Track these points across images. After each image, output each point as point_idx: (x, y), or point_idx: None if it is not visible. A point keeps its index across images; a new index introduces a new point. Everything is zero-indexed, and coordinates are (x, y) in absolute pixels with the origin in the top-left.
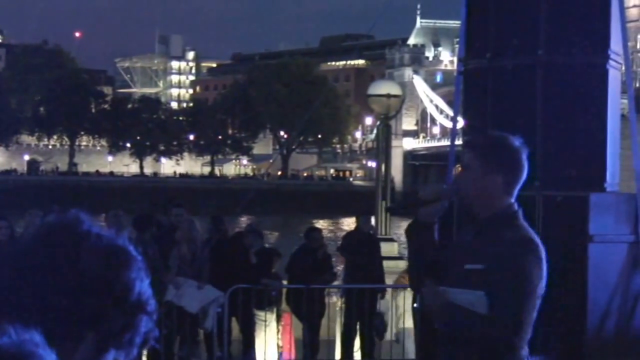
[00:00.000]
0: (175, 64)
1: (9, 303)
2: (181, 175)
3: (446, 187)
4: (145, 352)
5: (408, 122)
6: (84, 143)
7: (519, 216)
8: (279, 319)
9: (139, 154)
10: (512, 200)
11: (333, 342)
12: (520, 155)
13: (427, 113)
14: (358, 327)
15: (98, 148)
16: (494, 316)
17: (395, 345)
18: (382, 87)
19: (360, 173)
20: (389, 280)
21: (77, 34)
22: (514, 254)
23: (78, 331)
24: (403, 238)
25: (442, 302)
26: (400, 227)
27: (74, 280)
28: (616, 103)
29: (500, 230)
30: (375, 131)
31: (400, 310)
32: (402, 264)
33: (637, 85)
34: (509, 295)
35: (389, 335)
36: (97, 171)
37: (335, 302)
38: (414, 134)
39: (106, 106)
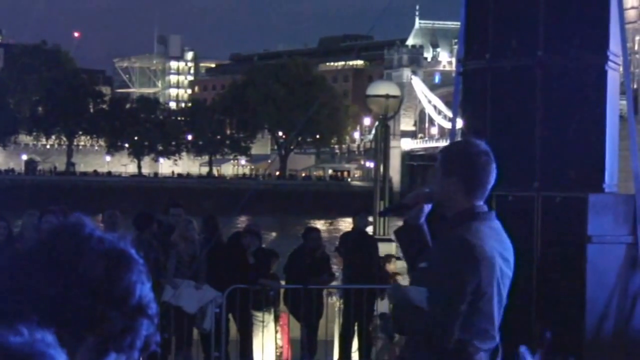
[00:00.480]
0: (173, 64)
1: (11, 305)
2: (179, 175)
3: (427, 191)
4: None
5: (406, 123)
6: (81, 143)
7: (479, 217)
8: (277, 319)
9: (137, 154)
10: (477, 202)
11: (331, 342)
12: (481, 159)
13: (425, 114)
14: (356, 327)
15: (96, 148)
16: (430, 312)
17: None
18: (381, 88)
19: (358, 173)
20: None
21: (76, 34)
22: (449, 253)
23: (78, 333)
24: None
25: (398, 298)
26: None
27: (76, 283)
28: (615, 104)
29: (452, 231)
30: (373, 131)
31: None
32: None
33: (635, 86)
34: (439, 293)
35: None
36: (94, 171)
37: (334, 302)
38: (412, 135)
39: (104, 106)
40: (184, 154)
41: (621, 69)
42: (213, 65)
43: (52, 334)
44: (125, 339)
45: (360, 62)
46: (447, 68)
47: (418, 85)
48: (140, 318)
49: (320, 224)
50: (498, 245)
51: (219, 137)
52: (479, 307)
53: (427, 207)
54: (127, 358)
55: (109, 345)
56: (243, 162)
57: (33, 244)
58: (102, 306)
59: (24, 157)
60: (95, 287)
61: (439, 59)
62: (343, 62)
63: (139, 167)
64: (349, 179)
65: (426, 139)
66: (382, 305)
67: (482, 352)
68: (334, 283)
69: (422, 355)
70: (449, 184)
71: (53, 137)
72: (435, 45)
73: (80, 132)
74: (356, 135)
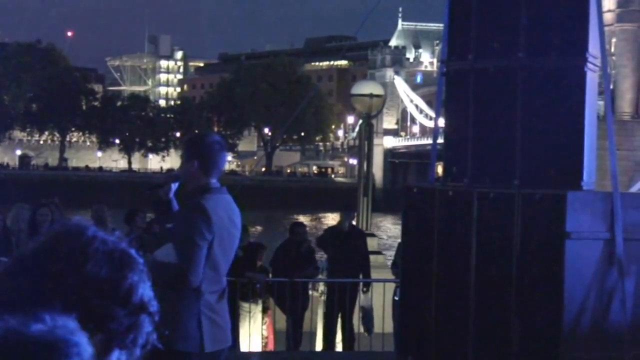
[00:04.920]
0: (163, 63)
1: (19, 306)
2: (168, 170)
3: (175, 173)
4: None
5: (389, 121)
6: (74, 139)
7: (213, 191)
8: (265, 311)
9: (128, 149)
10: (212, 179)
11: (315, 334)
12: (214, 147)
13: (407, 112)
14: (340, 319)
15: (88, 144)
16: (178, 260)
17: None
18: (365, 87)
19: (342, 170)
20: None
21: (69, 33)
22: (189, 214)
23: (87, 332)
24: (387, 233)
25: (150, 262)
26: (383, 223)
27: (82, 283)
28: (593, 104)
29: (192, 200)
30: (357, 129)
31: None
32: (381, 259)
33: (612, 87)
34: (184, 244)
35: (376, 329)
36: (86, 166)
37: (319, 295)
38: (394, 133)
39: (96, 103)
40: (172, 150)
41: (599, 70)
42: (202, 65)
43: (74, 320)
44: (128, 336)
45: (344, 62)
46: (429, 68)
47: (400, 85)
48: (142, 315)
49: (305, 219)
50: (226, 211)
51: None
52: (209, 257)
53: (175, 186)
54: (129, 354)
55: (114, 342)
56: (230, 158)
57: (37, 246)
58: (109, 305)
59: (18, 152)
60: (101, 287)
61: (421, 59)
62: (328, 62)
63: (129, 162)
64: (333, 176)
65: (408, 137)
66: (365, 299)
67: (211, 292)
68: (320, 276)
69: (164, 296)
70: (190, 167)
71: (46, 133)
72: (417, 46)
73: (73, 129)
74: (340, 133)
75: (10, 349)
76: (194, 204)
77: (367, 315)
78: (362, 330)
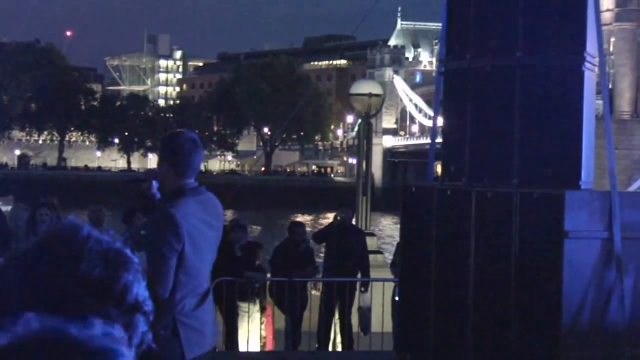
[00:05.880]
0: (163, 63)
1: (14, 305)
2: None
3: (155, 169)
4: None
5: (388, 121)
6: (73, 139)
7: (188, 193)
8: (263, 311)
9: (127, 149)
10: (187, 180)
11: (315, 334)
12: (185, 146)
13: (406, 112)
14: (338, 319)
15: (87, 144)
16: (148, 270)
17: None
18: (364, 87)
19: (341, 170)
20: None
21: (68, 33)
22: (156, 224)
23: None
24: (386, 233)
25: None
26: (382, 222)
27: (76, 283)
28: (591, 104)
29: (165, 204)
30: (356, 129)
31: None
32: (381, 258)
33: (611, 86)
34: (153, 254)
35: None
36: (85, 166)
37: (318, 294)
38: (393, 132)
39: (95, 103)
40: None
41: (598, 69)
42: (201, 64)
43: (121, 329)
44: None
45: (343, 62)
46: (428, 68)
47: (400, 84)
48: (137, 315)
49: (304, 219)
50: (202, 214)
51: (206, 133)
52: (182, 265)
53: (157, 183)
54: None
55: None
56: (230, 158)
57: (32, 246)
58: (104, 305)
59: (17, 152)
60: (96, 287)
61: (420, 59)
62: (327, 62)
63: (129, 162)
64: (332, 175)
65: (407, 136)
66: (364, 298)
67: (187, 298)
68: (318, 276)
69: None
70: (162, 169)
71: (45, 133)
72: (416, 46)
73: (72, 129)
74: (339, 132)
75: (52, 353)
76: (162, 213)
77: (365, 316)
78: (359, 330)
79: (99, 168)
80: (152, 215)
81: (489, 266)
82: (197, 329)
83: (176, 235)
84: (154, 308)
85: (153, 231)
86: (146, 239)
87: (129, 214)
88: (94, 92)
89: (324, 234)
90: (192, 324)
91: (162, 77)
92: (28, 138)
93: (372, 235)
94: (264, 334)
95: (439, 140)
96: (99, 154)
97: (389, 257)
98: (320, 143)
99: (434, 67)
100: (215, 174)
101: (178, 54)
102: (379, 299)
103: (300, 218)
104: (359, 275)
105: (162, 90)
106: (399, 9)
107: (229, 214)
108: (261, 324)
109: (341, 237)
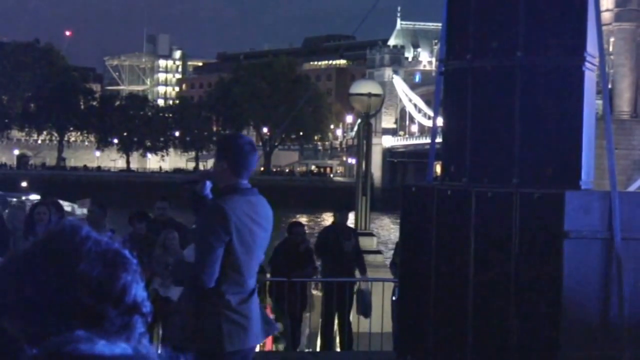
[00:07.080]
0: (162, 63)
1: (13, 305)
2: (173, 170)
3: (207, 171)
4: None
5: (387, 121)
6: (72, 138)
7: (240, 192)
8: None
9: (126, 149)
10: (241, 180)
11: (315, 334)
12: (243, 148)
13: (406, 112)
14: (337, 318)
15: (86, 143)
16: (196, 260)
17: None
18: (364, 87)
19: (340, 169)
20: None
21: (68, 33)
22: (205, 215)
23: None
24: (385, 232)
25: (175, 261)
26: (381, 222)
27: (75, 283)
28: (591, 104)
29: (216, 200)
30: (355, 129)
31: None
32: (380, 258)
33: (611, 86)
34: (202, 244)
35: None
36: (85, 166)
37: (319, 294)
38: (393, 132)
39: (95, 103)
40: (171, 149)
41: (597, 69)
42: (200, 64)
43: (154, 347)
44: (121, 336)
45: (343, 62)
46: (428, 68)
47: (399, 84)
48: (135, 316)
49: (303, 219)
50: (251, 213)
51: (205, 133)
52: (230, 258)
53: (210, 183)
54: None
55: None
56: None
57: (31, 246)
58: (102, 305)
59: (16, 151)
60: (95, 287)
61: (420, 58)
62: (326, 62)
63: (128, 162)
64: (332, 175)
65: (407, 136)
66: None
67: (233, 293)
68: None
69: (189, 296)
70: (221, 166)
71: (44, 132)
72: (416, 46)
73: (71, 128)
74: (339, 132)
75: None
76: (212, 205)
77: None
78: (360, 328)
79: (98, 168)
80: (203, 210)
81: (488, 266)
82: (240, 323)
83: (224, 227)
84: (200, 294)
85: (202, 222)
86: (195, 230)
87: (139, 216)
88: (93, 91)
89: (321, 242)
90: (235, 318)
91: (162, 76)
92: (27, 138)
93: (371, 235)
94: None
95: (439, 140)
96: (98, 153)
97: (388, 257)
98: (319, 143)
99: (434, 67)
100: None
101: (177, 54)
102: (379, 299)
103: (299, 218)
104: (357, 274)
105: (162, 90)
106: (398, 8)
107: None
108: None
109: (335, 238)
